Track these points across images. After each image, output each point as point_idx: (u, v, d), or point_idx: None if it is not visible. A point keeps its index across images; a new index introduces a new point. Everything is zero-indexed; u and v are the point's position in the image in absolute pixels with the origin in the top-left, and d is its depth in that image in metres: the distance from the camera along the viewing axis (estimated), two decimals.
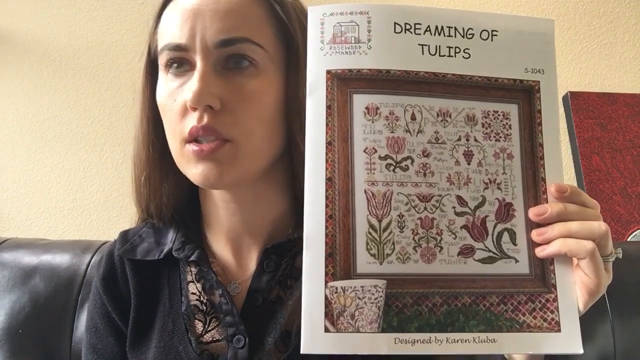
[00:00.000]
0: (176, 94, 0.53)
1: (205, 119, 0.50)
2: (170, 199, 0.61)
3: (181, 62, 0.53)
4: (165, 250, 0.60)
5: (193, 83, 0.50)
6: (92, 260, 0.91)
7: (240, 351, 0.54)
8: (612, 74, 1.40)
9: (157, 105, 0.56)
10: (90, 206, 1.35)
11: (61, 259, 0.91)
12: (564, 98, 1.37)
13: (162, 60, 0.54)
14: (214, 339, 0.56)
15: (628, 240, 1.26)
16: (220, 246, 0.62)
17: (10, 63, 1.40)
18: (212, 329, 0.57)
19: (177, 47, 0.52)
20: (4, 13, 1.41)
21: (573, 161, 1.34)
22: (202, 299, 0.58)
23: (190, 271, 0.60)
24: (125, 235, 0.64)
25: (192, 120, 0.51)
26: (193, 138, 0.51)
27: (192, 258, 0.58)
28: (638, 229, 1.28)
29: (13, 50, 1.40)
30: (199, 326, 0.57)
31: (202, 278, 0.59)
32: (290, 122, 0.54)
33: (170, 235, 0.61)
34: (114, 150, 1.37)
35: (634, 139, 1.34)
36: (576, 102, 1.35)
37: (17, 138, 1.38)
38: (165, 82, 0.54)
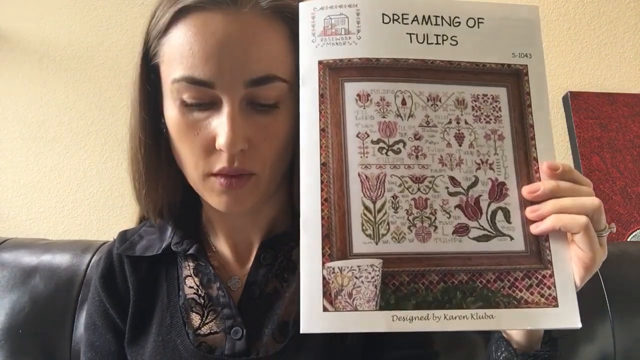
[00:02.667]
0: (198, 127, 0.50)
1: (236, 163, 0.50)
2: (166, 202, 0.61)
3: (203, 96, 0.50)
4: (163, 246, 0.61)
5: (223, 127, 0.49)
6: (92, 260, 0.91)
7: (238, 342, 0.55)
8: (612, 74, 1.40)
9: (164, 122, 0.54)
10: (90, 206, 1.35)
11: (61, 259, 0.92)
12: (564, 98, 1.37)
13: (177, 88, 0.50)
14: (212, 331, 0.57)
15: (628, 240, 1.26)
16: (219, 242, 0.63)
17: (10, 63, 1.40)
18: (210, 322, 0.58)
19: (201, 83, 0.49)
20: (4, 13, 1.41)
21: (573, 161, 1.34)
22: (199, 292, 0.59)
23: (188, 266, 0.61)
24: (124, 234, 0.65)
25: (222, 161, 0.50)
26: (220, 174, 0.51)
27: (190, 251, 0.60)
28: (638, 229, 1.28)
29: (13, 50, 1.40)
30: (197, 319, 0.58)
31: (200, 272, 0.60)
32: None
33: (169, 232, 0.63)
34: (114, 150, 1.37)
35: (634, 139, 1.34)
36: (576, 102, 1.35)
37: (17, 138, 1.38)
38: (180, 109, 0.51)
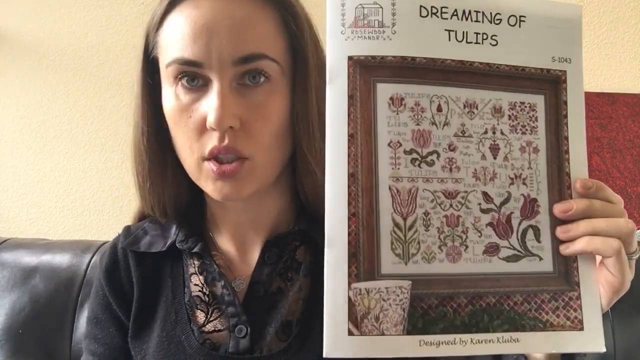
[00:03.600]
0: (191, 110, 0.52)
1: (226, 140, 0.50)
2: (172, 199, 0.61)
3: (194, 76, 0.51)
4: (168, 243, 0.62)
5: (212, 104, 0.50)
6: (92, 260, 0.91)
7: (242, 340, 0.56)
8: (612, 74, 1.41)
9: (164, 114, 0.55)
10: (90, 206, 1.36)
11: (61, 259, 0.92)
12: None
13: (170, 72, 0.52)
14: (216, 329, 0.58)
15: None
16: (224, 240, 0.63)
17: (10, 63, 1.40)
18: (214, 319, 0.58)
19: (190, 63, 0.50)
20: (4, 13, 1.41)
21: None
22: (204, 290, 0.60)
23: (193, 264, 0.61)
24: (129, 229, 0.65)
25: (213, 140, 0.51)
26: (213, 156, 0.51)
27: (195, 249, 0.60)
28: (638, 229, 1.28)
29: (13, 50, 1.40)
30: (201, 316, 0.58)
31: (205, 270, 0.60)
32: (298, 131, 0.55)
33: (174, 229, 0.63)
34: (114, 150, 1.37)
35: (634, 139, 1.34)
36: None
37: (17, 138, 1.38)
38: (175, 94, 0.53)
